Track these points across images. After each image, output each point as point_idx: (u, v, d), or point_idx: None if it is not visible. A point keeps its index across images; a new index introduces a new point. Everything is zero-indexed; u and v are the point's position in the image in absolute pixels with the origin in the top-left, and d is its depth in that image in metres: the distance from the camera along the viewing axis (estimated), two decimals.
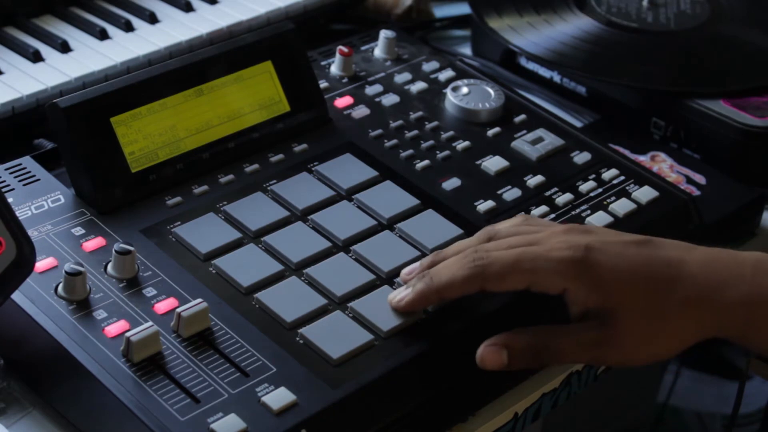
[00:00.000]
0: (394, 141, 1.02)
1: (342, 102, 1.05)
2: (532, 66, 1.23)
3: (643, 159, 1.11)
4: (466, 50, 1.28)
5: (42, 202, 0.91)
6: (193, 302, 0.82)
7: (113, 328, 0.81)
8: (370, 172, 0.97)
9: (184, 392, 0.78)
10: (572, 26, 1.21)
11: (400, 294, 0.83)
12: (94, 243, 0.87)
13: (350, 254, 0.90)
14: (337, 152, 0.99)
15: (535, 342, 0.81)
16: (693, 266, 0.81)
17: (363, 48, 1.13)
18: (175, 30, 1.17)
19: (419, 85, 1.09)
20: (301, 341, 0.82)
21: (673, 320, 0.80)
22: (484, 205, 0.96)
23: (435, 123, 1.05)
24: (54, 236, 0.88)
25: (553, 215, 0.96)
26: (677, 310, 0.80)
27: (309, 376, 0.80)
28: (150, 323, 0.80)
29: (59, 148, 0.93)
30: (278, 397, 0.78)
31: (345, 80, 1.09)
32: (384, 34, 1.12)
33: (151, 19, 1.18)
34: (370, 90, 1.08)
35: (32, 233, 0.87)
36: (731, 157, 1.10)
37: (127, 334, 0.79)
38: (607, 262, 0.80)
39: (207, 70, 0.97)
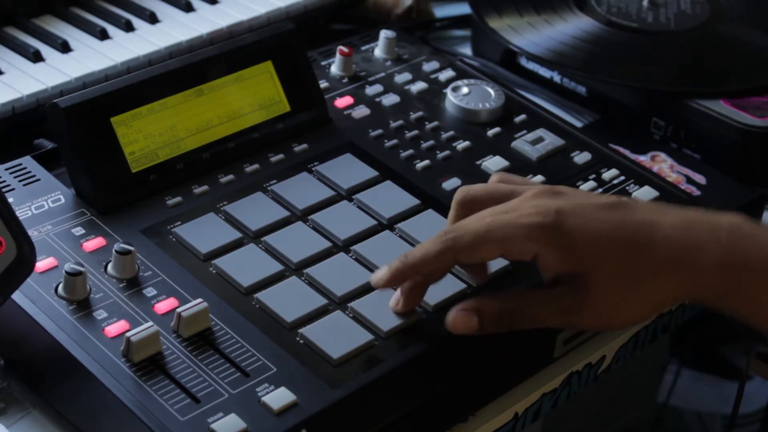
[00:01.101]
0: (395, 141, 1.02)
1: (342, 102, 1.05)
2: (532, 66, 1.23)
3: (643, 159, 1.11)
4: (466, 50, 1.28)
5: (42, 202, 0.91)
6: (193, 302, 0.82)
7: (113, 328, 0.81)
8: (370, 172, 0.97)
9: (185, 392, 0.78)
10: (572, 26, 1.21)
11: (378, 274, 0.83)
12: (94, 243, 0.88)
13: (350, 254, 0.90)
14: (337, 152, 0.99)
15: (507, 307, 0.79)
16: (668, 229, 0.79)
17: (363, 48, 1.13)
18: (175, 30, 1.17)
19: (419, 85, 1.09)
20: (302, 341, 0.82)
21: (648, 284, 0.78)
22: None
23: (435, 123, 1.05)
24: (54, 236, 0.88)
25: None
26: (651, 274, 0.78)
27: (309, 376, 0.80)
28: (150, 323, 0.80)
29: (59, 148, 0.93)
30: (278, 397, 0.78)
31: (345, 80, 1.09)
32: (384, 34, 1.12)
33: (152, 19, 1.18)
34: (371, 90, 1.08)
35: (32, 233, 0.87)
36: (731, 157, 1.10)
37: (128, 334, 0.79)
38: (579, 226, 0.78)
39: (207, 70, 0.97)
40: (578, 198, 0.81)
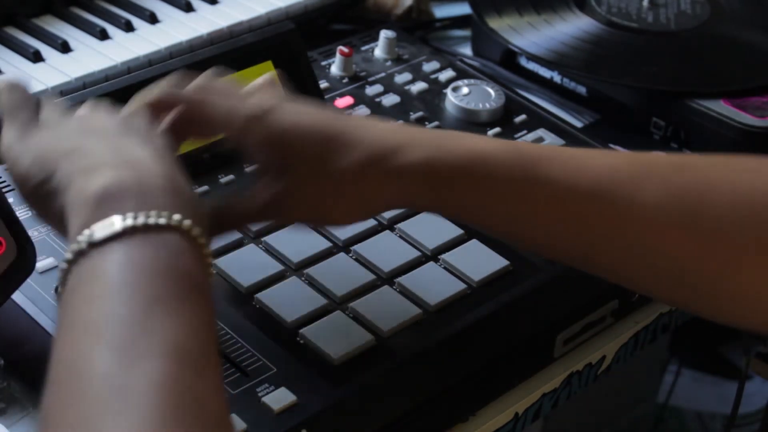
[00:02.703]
0: None
1: (342, 102, 1.05)
2: (532, 66, 1.23)
3: None
4: (467, 50, 1.28)
5: None
6: None
7: None
8: None
9: None
10: (572, 26, 1.21)
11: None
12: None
13: (350, 254, 0.90)
14: None
15: (219, 205, 0.77)
16: (372, 131, 0.76)
17: (363, 48, 1.13)
18: (175, 30, 1.17)
19: (419, 86, 1.09)
20: (302, 341, 0.82)
21: (349, 182, 0.75)
22: None
23: (435, 123, 1.05)
24: (54, 236, 0.88)
25: None
26: (350, 172, 0.74)
27: (309, 376, 0.80)
28: None
29: None
30: (278, 397, 0.78)
31: (345, 80, 1.09)
32: (384, 34, 1.12)
33: (152, 19, 1.18)
34: (371, 90, 1.08)
35: (32, 233, 0.87)
36: None
37: None
38: (285, 119, 0.75)
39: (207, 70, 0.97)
40: (301, 102, 0.78)
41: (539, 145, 0.77)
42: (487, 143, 0.75)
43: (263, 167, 0.77)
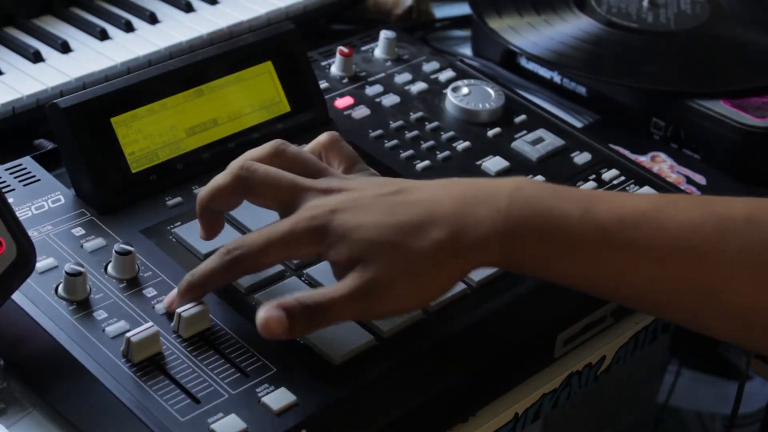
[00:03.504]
0: (395, 141, 1.02)
1: (342, 102, 1.05)
2: (532, 66, 1.23)
3: (643, 159, 1.11)
4: (467, 50, 1.28)
5: (42, 202, 0.91)
6: (194, 302, 0.82)
7: (113, 329, 0.81)
8: None
9: (185, 392, 0.78)
10: (572, 26, 1.21)
11: (168, 298, 0.83)
12: (94, 243, 0.87)
13: None
14: None
15: (308, 303, 0.78)
16: (445, 205, 0.78)
17: (363, 48, 1.13)
18: (175, 30, 1.17)
19: (419, 86, 1.09)
20: (302, 341, 0.82)
21: (430, 263, 0.77)
22: None
23: (435, 123, 1.05)
24: (54, 236, 0.88)
25: None
26: (431, 254, 0.77)
27: (309, 376, 0.80)
28: (150, 323, 0.80)
29: (59, 148, 0.93)
30: (278, 398, 0.78)
31: (345, 80, 1.09)
32: (384, 34, 1.12)
33: (152, 19, 1.18)
34: (371, 90, 1.08)
35: (32, 233, 0.87)
36: (731, 157, 1.10)
37: (128, 334, 0.79)
38: (352, 220, 0.78)
39: (207, 71, 0.97)
40: (356, 191, 0.81)
41: (609, 202, 0.78)
42: (556, 203, 0.77)
43: (342, 269, 0.79)
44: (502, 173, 1.00)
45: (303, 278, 0.87)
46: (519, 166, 1.01)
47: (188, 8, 1.21)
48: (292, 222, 0.80)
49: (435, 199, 0.79)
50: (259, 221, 0.91)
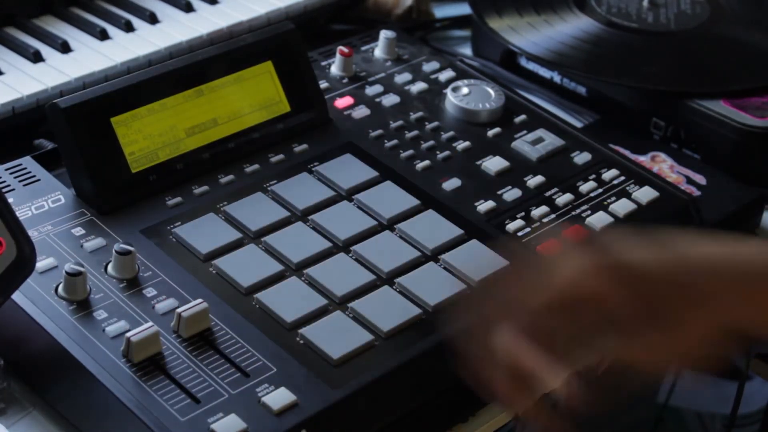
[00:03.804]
0: (395, 141, 1.02)
1: (342, 102, 1.05)
2: (532, 66, 1.23)
3: (643, 159, 1.11)
4: (466, 50, 1.28)
5: (42, 202, 0.91)
6: (194, 302, 0.82)
7: (113, 329, 0.81)
8: (370, 173, 0.97)
9: (185, 392, 0.78)
10: (572, 26, 1.21)
11: None
12: (94, 243, 0.87)
13: (350, 254, 0.90)
14: (337, 152, 0.99)
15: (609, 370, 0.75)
16: (705, 265, 0.73)
17: (363, 48, 1.13)
18: (175, 30, 1.17)
19: (419, 86, 1.09)
20: (302, 341, 0.82)
21: (687, 331, 0.75)
22: (484, 206, 0.96)
23: (435, 123, 1.05)
24: (54, 236, 0.88)
25: (553, 215, 0.96)
26: (692, 322, 0.75)
27: (309, 376, 0.80)
28: (150, 323, 0.80)
29: (59, 148, 0.93)
30: (278, 397, 0.78)
31: (345, 80, 1.09)
32: (384, 34, 1.12)
33: (152, 19, 1.18)
34: (371, 90, 1.08)
35: (32, 233, 0.87)
36: (731, 157, 1.10)
37: (128, 334, 0.79)
38: (638, 261, 0.71)
39: (207, 71, 0.97)
40: (615, 242, 0.73)
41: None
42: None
43: (629, 321, 0.74)
44: (502, 173, 1.00)
45: (303, 278, 0.87)
46: (519, 166, 1.01)
47: (188, 8, 1.21)
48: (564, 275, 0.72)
49: (701, 265, 0.74)
50: (260, 220, 0.91)
